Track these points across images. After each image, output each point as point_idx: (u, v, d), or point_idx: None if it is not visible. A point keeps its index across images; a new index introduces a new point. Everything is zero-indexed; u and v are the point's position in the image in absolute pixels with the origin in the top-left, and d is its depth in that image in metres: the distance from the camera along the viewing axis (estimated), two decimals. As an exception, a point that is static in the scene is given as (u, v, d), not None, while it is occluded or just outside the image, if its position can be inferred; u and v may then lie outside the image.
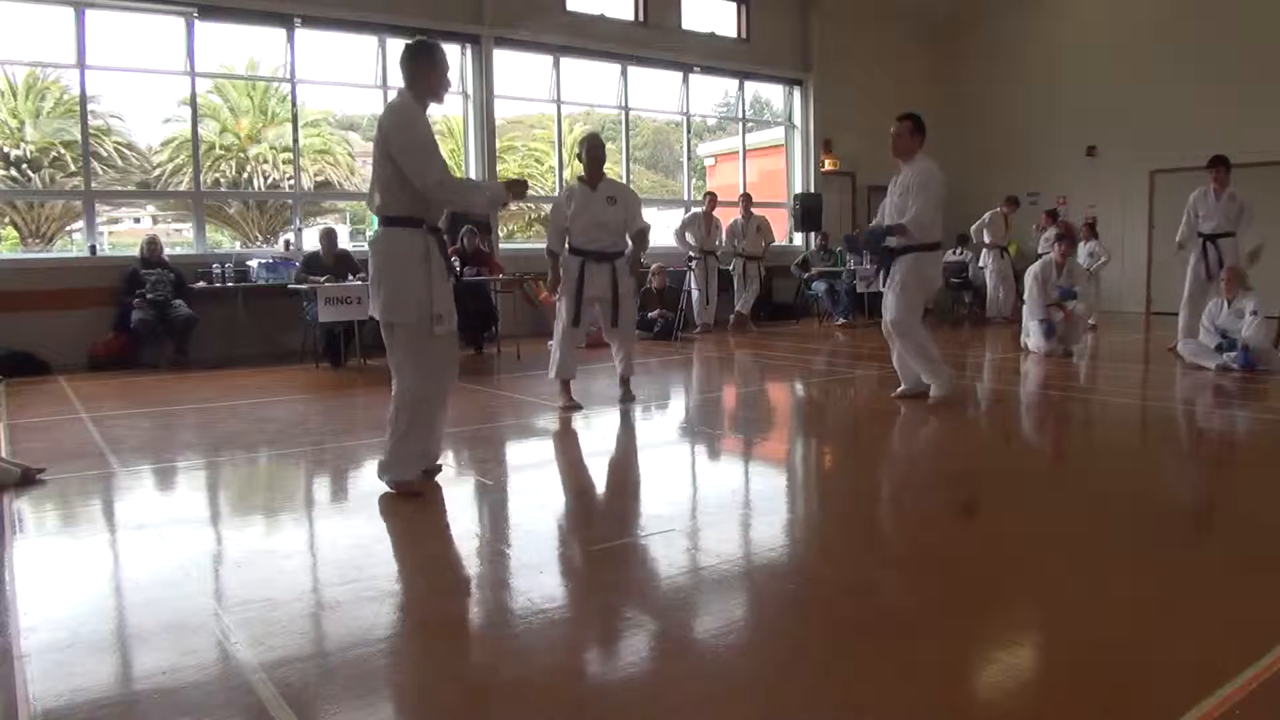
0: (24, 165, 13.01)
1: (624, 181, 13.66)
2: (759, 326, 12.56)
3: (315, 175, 15.56)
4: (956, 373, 6.64)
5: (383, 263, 4.13)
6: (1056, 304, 9.11)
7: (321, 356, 9.12)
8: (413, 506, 4.15)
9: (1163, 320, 8.93)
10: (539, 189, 16.09)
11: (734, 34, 14.40)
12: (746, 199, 12.97)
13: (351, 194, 16.47)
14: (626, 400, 6.65)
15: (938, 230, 6.57)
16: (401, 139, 4.07)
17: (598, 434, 5.85)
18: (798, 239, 14.95)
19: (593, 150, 6.26)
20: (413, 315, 4.09)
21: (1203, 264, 8.85)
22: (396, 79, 11.78)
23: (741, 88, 14.93)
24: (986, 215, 13.07)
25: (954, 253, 14.37)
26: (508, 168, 14.79)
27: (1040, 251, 12.74)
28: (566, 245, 6.34)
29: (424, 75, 4.34)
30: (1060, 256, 9.30)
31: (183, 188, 12.88)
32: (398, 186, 4.07)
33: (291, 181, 11.71)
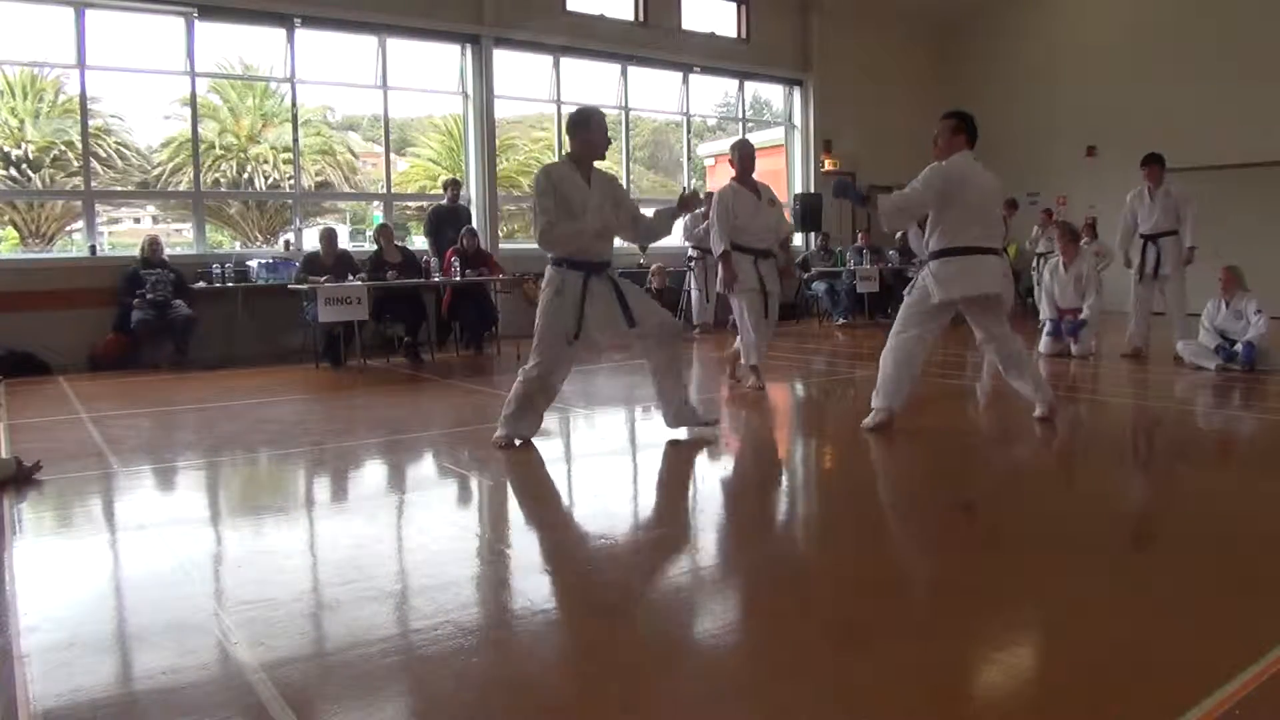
0: (24, 165, 13.00)
1: (621, 181, 13.70)
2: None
3: (315, 175, 15.55)
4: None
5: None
6: (1067, 311, 9.11)
7: (321, 357, 9.12)
8: (413, 506, 4.15)
9: (1162, 320, 8.91)
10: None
11: (734, 34, 14.41)
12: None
13: (351, 194, 16.46)
14: (759, 388, 6.97)
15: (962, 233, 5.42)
16: (533, 199, 5.04)
17: (597, 434, 5.85)
18: (798, 239, 14.95)
19: (745, 154, 6.80)
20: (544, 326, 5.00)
21: (1142, 264, 8.74)
22: (396, 79, 11.67)
23: (741, 88, 14.94)
24: None
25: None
26: (507, 168, 14.79)
27: (1040, 251, 12.76)
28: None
29: (575, 138, 5.08)
30: (1066, 256, 9.29)
31: (183, 188, 12.86)
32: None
33: (291, 182, 11.71)
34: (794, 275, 7.10)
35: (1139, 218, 8.79)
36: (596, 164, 5.13)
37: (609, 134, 5.18)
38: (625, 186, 13.67)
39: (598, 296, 5.02)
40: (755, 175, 6.98)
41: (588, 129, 5.05)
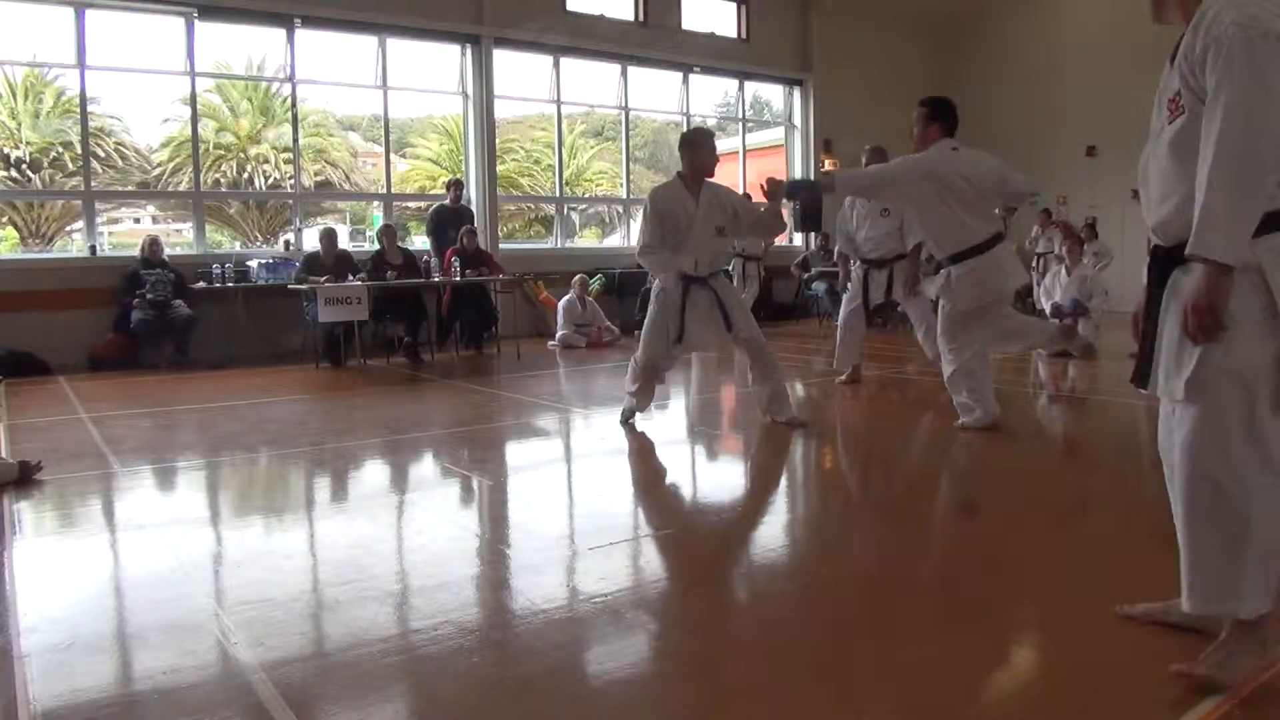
0: (24, 166, 13.00)
1: (623, 181, 13.69)
2: (759, 326, 12.51)
3: (315, 175, 15.55)
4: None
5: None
6: (1068, 314, 9.10)
7: (321, 357, 9.12)
8: (413, 506, 4.15)
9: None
10: (537, 190, 16.09)
11: (734, 34, 14.41)
12: (746, 199, 12.95)
13: (351, 194, 16.47)
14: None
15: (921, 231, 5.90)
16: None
17: (597, 434, 5.85)
18: (798, 239, 14.96)
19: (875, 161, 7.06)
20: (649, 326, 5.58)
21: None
22: (396, 79, 11.68)
23: (741, 88, 14.94)
24: None
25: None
26: (507, 168, 14.79)
27: (1039, 252, 12.77)
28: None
29: (684, 158, 5.56)
30: (1071, 259, 9.28)
31: (183, 188, 12.87)
32: None
33: (292, 182, 11.71)
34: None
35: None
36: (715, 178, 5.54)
37: (712, 151, 5.57)
38: (626, 186, 13.70)
39: (697, 305, 5.50)
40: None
41: (692, 149, 5.51)
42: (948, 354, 5.49)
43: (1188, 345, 2.17)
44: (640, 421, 5.82)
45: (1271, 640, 2.22)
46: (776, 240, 13.92)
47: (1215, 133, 2.04)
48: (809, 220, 5.50)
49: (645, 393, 5.76)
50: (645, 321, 5.64)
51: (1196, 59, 2.10)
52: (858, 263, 7.27)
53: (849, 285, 7.39)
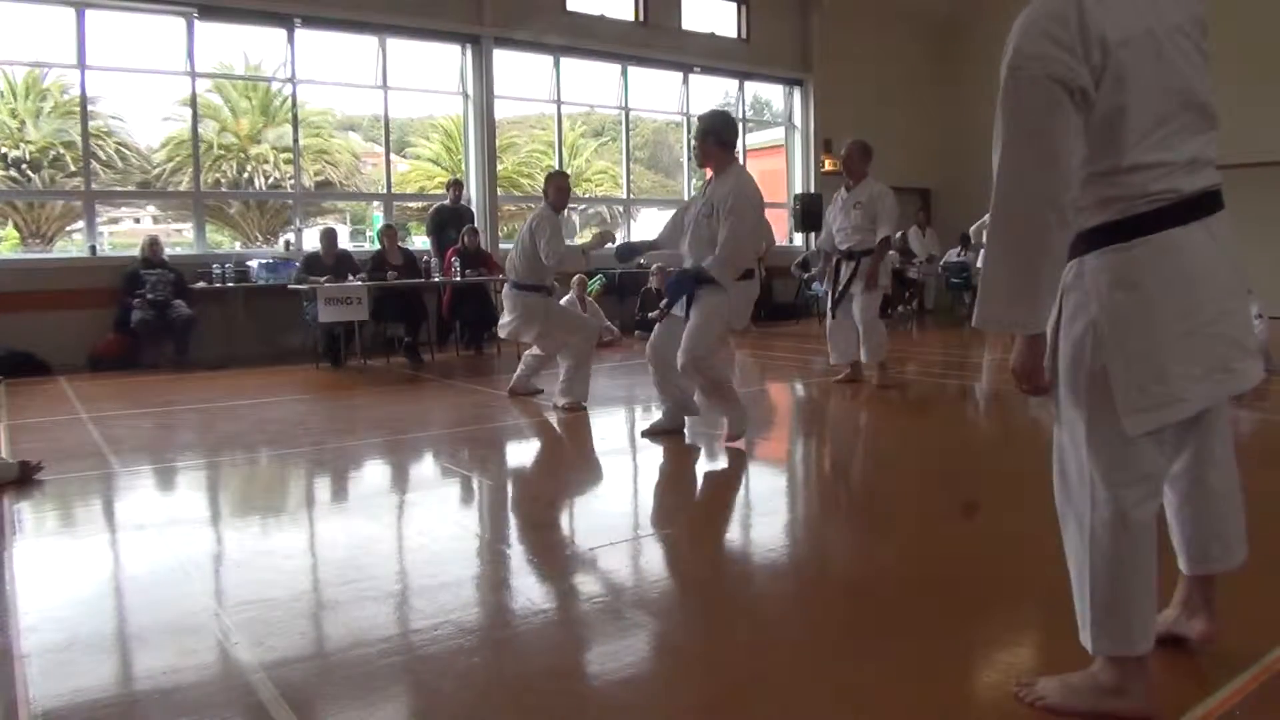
0: (24, 166, 13.00)
1: (623, 181, 13.69)
2: (758, 326, 12.56)
3: (315, 175, 15.55)
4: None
5: None
6: None
7: (321, 357, 9.12)
8: (414, 506, 4.15)
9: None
10: (538, 190, 16.06)
11: (734, 34, 14.40)
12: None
13: (351, 194, 16.47)
14: (885, 384, 7.19)
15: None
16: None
17: (596, 434, 5.85)
18: (798, 239, 14.96)
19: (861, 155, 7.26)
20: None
21: None
22: (396, 79, 11.65)
23: (741, 88, 14.93)
24: (987, 216, 13.04)
25: (956, 254, 14.37)
26: (507, 168, 14.79)
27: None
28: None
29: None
30: None
31: (183, 188, 12.86)
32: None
33: (292, 182, 11.71)
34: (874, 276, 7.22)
35: None
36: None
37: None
38: (626, 186, 13.70)
39: None
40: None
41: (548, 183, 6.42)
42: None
43: None
44: (640, 420, 5.81)
45: (1140, 692, 2.05)
46: (777, 240, 13.96)
47: (996, 180, 1.92)
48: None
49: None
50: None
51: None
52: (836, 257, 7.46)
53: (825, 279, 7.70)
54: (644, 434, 5.54)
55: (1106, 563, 2.01)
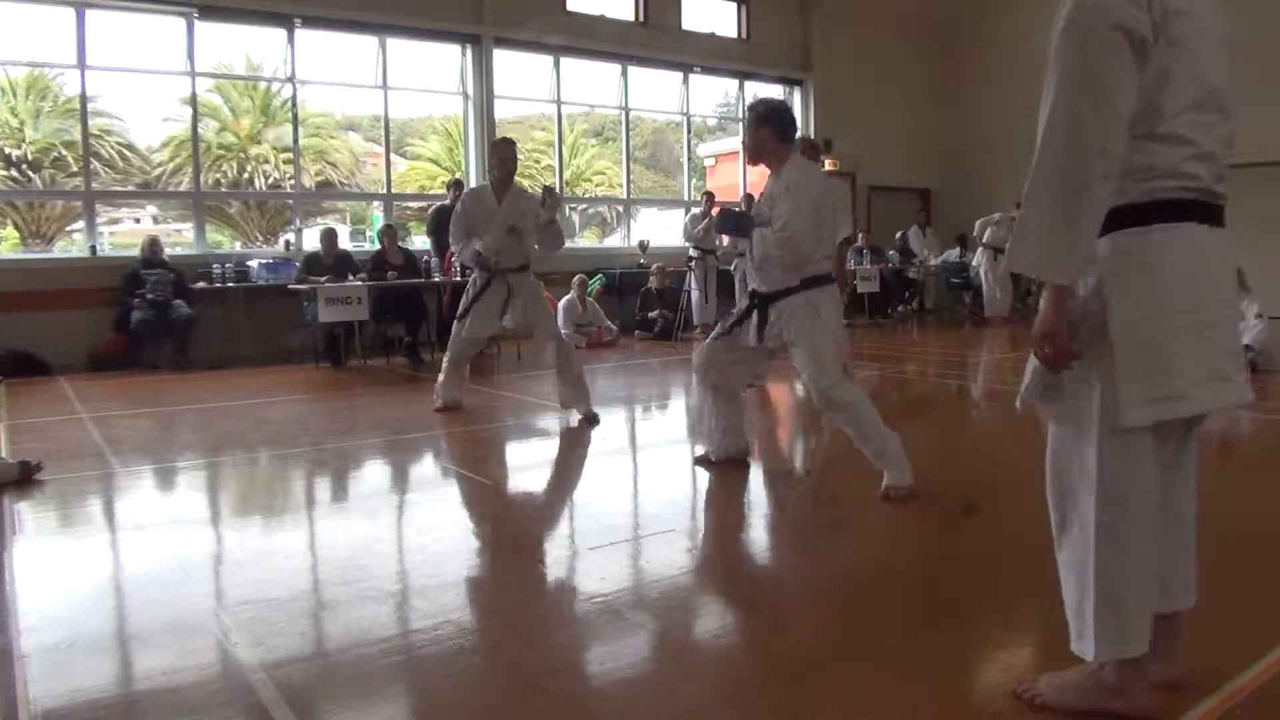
0: (24, 165, 13.00)
1: (623, 181, 13.68)
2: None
3: (316, 176, 15.55)
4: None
5: None
6: None
7: (322, 357, 9.12)
8: (414, 506, 4.15)
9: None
10: (537, 190, 16.05)
11: (734, 34, 14.40)
12: (749, 199, 12.97)
13: (351, 194, 16.47)
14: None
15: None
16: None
17: (597, 435, 5.85)
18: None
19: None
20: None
21: None
22: (396, 79, 11.63)
23: (741, 88, 14.93)
24: (997, 215, 13.03)
25: (957, 255, 14.38)
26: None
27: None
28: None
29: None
30: None
31: (183, 188, 12.86)
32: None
33: (292, 182, 11.71)
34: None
35: None
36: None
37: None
38: (626, 186, 13.69)
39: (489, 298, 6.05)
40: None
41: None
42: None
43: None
44: (640, 420, 5.81)
45: (1139, 692, 2.06)
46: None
47: (1040, 134, 1.92)
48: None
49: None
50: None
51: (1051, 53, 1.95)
52: None
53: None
54: (697, 461, 4.87)
55: (1110, 564, 1.99)
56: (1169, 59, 1.88)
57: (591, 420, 5.90)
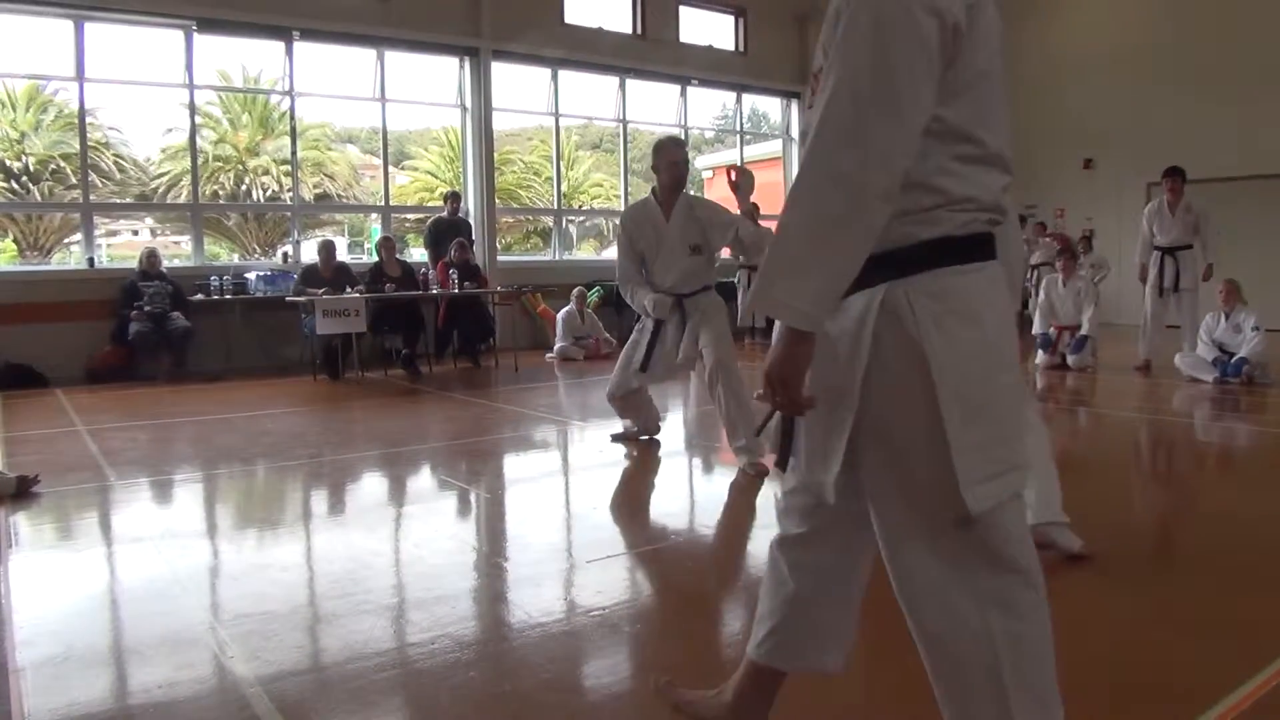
0: (23, 178, 13.02)
1: (621, 194, 13.71)
2: (760, 337, 12.57)
3: (314, 188, 15.58)
4: None
5: None
6: (1064, 328, 9.09)
7: (319, 369, 9.11)
8: (411, 519, 4.14)
9: (1173, 333, 8.90)
10: (536, 202, 16.12)
11: (731, 47, 14.46)
12: (755, 208, 12.97)
13: (349, 206, 16.48)
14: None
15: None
16: None
17: (595, 447, 5.84)
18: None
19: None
20: None
21: (1159, 277, 8.72)
22: (394, 92, 11.68)
23: (739, 100, 14.98)
24: None
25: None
26: (506, 180, 14.82)
27: (1034, 263, 12.79)
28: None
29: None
30: (1065, 271, 9.29)
31: (181, 200, 12.88)
32: None
33: (290, 194, 11.73)
34: None
35: (1157, 230, 8.79)
36: None
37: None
38: (624, 198, 13.72)
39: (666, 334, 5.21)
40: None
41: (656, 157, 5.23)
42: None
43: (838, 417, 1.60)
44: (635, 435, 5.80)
45: None
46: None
47: (812, 133, 1.50)
48: None
49: (628, 412, 5.57)
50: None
51: (831, 22, 1.53)
52: None
53: None
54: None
55: (1002, 675, 1.63)
56: (981, 58, 1.54)
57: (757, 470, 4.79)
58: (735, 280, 12.58)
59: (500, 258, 12.21)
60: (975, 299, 1.55)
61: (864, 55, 1.43)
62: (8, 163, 12.90)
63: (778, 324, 1.51)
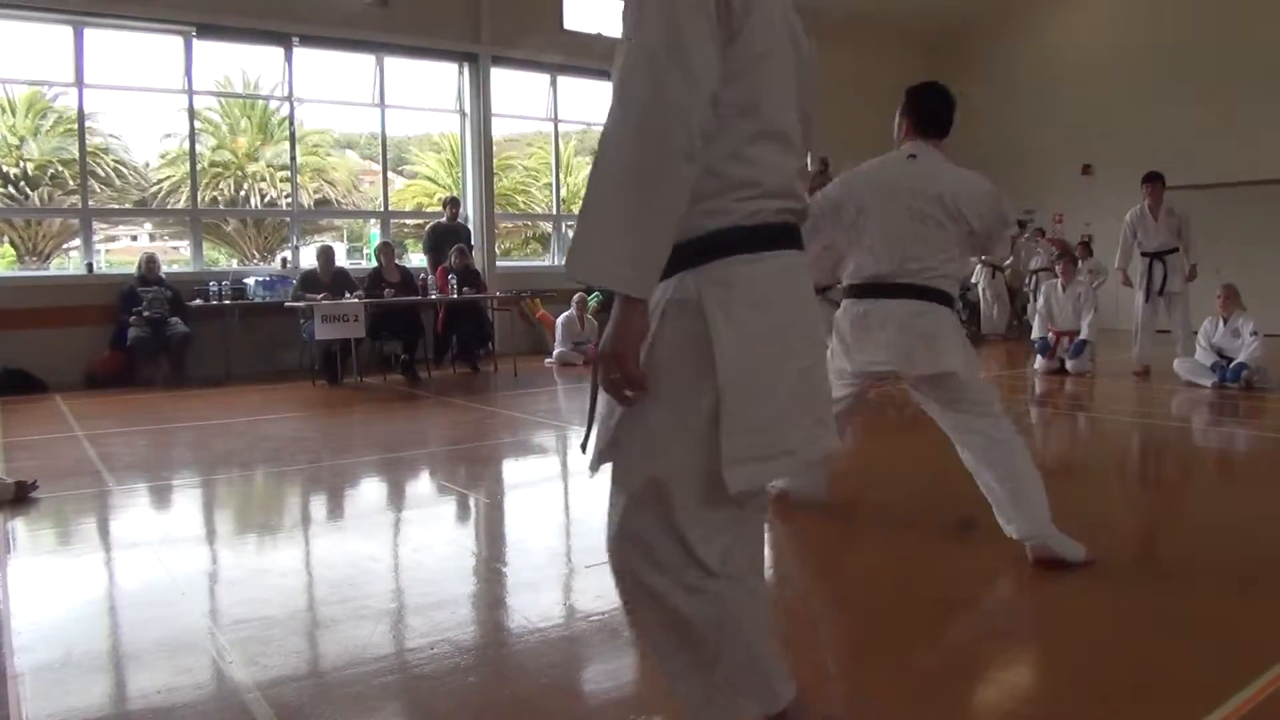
0: (22, 183, 13.01)
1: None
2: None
3: (313, 193, 15.57)
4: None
5: None
6: (1062, 333, 9.09)
7: (318, 374, 9.11)
8: (410, 524, 4.14)
9: (1159, 337, 8.92)
10: (535, 207, 16.12)
11: (730, 53, 14.47)
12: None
13: (348, 212, 16.47)
14: None
15: None
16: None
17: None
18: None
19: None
20: None
21: (1147, 282, 8.74)
22: (394, 97, 11.67)
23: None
24: None
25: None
26: (505, 185, 14.82)
27: (1033, 269, 12.81)
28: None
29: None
30: (1065, 276, 9.30)
31: (180, 205, 12.88)
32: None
33: (289, 199, 11.73)
34: None
35: (1141, 236, 8.80)
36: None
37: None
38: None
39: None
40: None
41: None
42: None
43: (613, 404, 1.63)
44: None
45: None
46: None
47: (613, 97, 1.53)
48: None
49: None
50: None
51: None
52: None
53: None
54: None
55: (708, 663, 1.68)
56: (766, 41, 1.60)
57: None
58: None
59: (499, 263, 12.22)
60: (764, 286, 1.60)
61: (653, 18, 1.47)
62: (6, 168, 12.87)
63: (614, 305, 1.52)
